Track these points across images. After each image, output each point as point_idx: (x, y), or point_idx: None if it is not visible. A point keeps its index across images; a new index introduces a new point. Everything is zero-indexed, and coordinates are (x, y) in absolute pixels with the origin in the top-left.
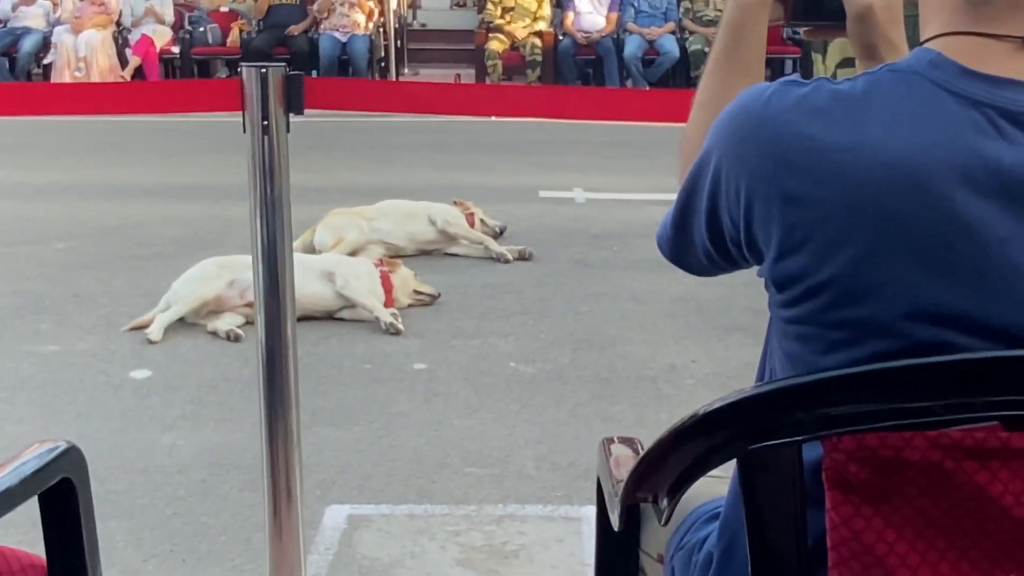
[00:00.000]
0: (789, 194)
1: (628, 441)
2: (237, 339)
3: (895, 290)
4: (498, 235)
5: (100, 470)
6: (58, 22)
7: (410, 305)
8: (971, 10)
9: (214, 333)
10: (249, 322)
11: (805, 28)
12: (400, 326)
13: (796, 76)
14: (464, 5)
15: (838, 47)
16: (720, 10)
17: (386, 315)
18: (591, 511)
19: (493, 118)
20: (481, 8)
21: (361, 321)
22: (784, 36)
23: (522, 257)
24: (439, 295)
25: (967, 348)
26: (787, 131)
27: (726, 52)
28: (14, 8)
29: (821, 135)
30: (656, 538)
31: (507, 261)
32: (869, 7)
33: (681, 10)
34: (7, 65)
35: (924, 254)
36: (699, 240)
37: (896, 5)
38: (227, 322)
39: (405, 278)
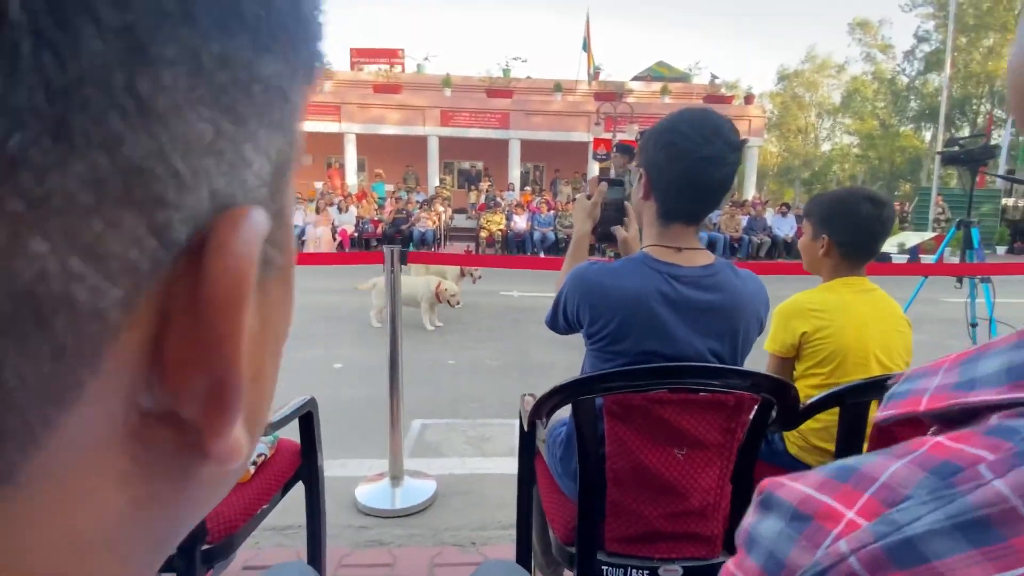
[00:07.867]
0: (593, 304)
1: (532, 395)
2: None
3: (633, 341)
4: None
5: None
6: None
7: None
8: (660, 237)
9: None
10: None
11: (606, 247)
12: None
13: (598, 259)
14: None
15: None
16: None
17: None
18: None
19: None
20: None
21: None
22: None
23: None
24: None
25: (661, 362)
26: (593, 280)
27: (573, 255)
28: None
29: (605, 281)
30: (542, 433)
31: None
32: (624, 239)
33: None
34: None
35: (644, 328)
36: (561, 320)
37: (633, 239)
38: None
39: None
